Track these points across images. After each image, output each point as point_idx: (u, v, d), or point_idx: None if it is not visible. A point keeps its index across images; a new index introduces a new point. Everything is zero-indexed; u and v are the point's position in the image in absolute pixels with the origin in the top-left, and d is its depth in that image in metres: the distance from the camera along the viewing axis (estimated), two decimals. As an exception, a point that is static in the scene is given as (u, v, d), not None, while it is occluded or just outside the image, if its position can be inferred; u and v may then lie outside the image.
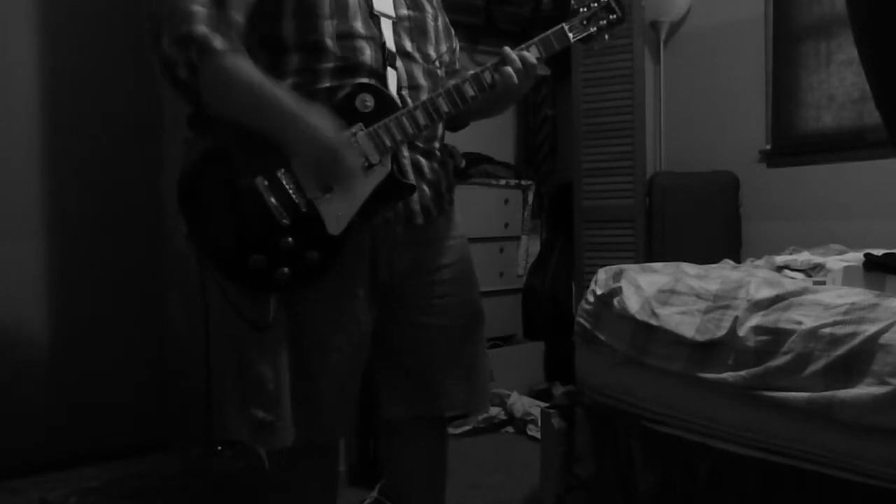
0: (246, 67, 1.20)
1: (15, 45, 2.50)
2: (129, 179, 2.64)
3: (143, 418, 2.61)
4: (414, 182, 1.32)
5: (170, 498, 2.23)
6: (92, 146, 2.62)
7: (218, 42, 1.19)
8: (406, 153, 1.33)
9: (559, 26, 1.37)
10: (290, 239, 1.22)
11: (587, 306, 1.91)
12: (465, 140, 3.22)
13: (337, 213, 1.23)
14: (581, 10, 1.39)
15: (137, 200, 2.62)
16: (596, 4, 1.39)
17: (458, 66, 1.55)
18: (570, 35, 1.37)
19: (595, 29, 1.39)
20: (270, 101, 1.19)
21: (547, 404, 2.22)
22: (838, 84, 2.96)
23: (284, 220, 1.21)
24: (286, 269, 1.22)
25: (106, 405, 2.58)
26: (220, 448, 2.06)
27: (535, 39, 1.34)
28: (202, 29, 1.18)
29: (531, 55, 1.33)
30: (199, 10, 1.20)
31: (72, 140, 2.60)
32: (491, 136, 3.83)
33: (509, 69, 1.30)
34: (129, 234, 2.65)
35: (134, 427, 2.60)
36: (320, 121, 1.20)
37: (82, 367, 2.58)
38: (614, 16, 1.40)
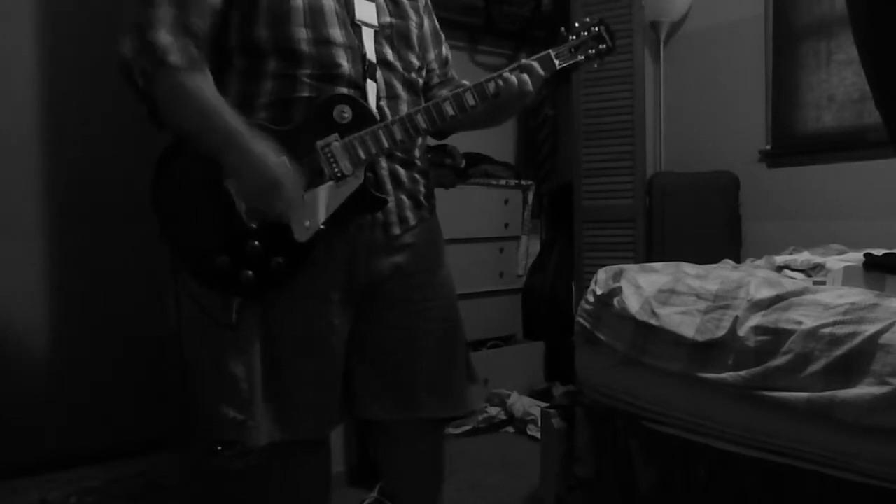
0: (200, 87, 1.20)
1: (14, 44, 2.50)
2: (129, 179, 2.62)
3: (143, 418, 2.61)
4: (386, 195, 1.31)
5: (170, 498, 2.23)
6: (91, 146, 2.61)
7: (175, 57, 1.18)
8: (384, 163, 1.33)
9: (545, 52, 1.37)
10: (257, 243, 1.22)
11: (587, 306, 1.91)
12: (465, 140, 3.24)
13: (305, 220, 1.23)
14: (571, 37, 1.39)
15: (137, 200, 2.60)
16: (587, 34, 1.40)
17: (451, 73, 1.55)
18: (556, 62, 1.38)
19: (583, 58, 1.40)
20: (219, 125, 1.18)
21: (547, 404, 2.22)
22: (838, 84, 2.96)
23: (252, 224, 1.21)
24: (250, 273, 1.22)
25: (106, 405, 2.58)
26: (220, 448, 2.06)
27: (508, 67, 1.34)
28: (163, 39, 1.18)
29: (536, 66, 1.33)
30: (164, 16, 1.19)
31: (71, 140, 2.59)
32: (491, 136, 3.81)
33: (513, 78, 1.30)
34: (129, 233, 2.65)
35: (134, 427, 2.60)
36: (266, 151, 1.18)
37: (82, 367, 2.57)
38: (603, 46, 1.41)
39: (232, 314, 1.25)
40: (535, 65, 1.34)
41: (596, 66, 1.45)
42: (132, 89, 1.22)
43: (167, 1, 1.19)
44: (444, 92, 1.42)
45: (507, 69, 1.33)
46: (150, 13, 1.19)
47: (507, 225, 3.59)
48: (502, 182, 3.62)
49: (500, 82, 1.31)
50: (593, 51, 1.41)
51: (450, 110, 1.29)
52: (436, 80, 1.51)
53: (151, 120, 1.27)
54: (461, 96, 1.30)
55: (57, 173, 2.58)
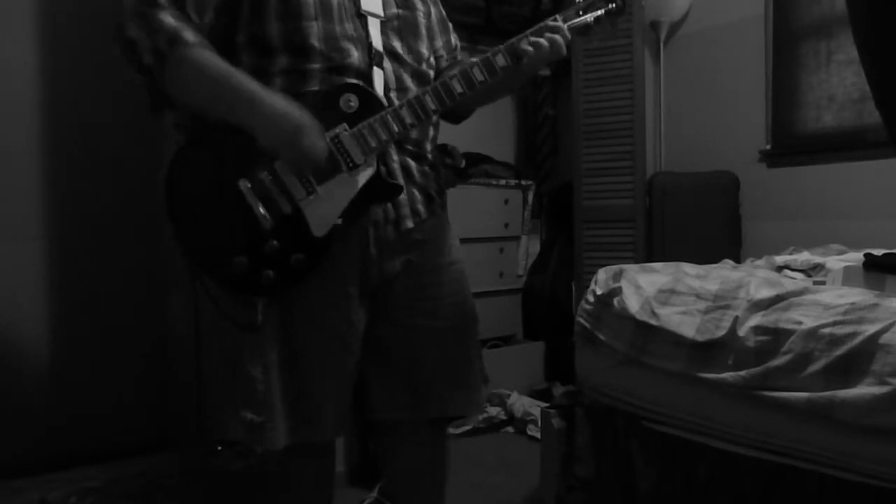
0: (212, 59, 1.21)
1: (15, 45, 2.50)
2: (129, 180, 2.64)
3: (143, 418, 2.61)
4: (401, 183, 1.30)
5: (170, 498, 2.22)
6: (92, 147, 2.62)
7: (189, 34, 1.20)
8: (395, 156, 1.31)
9: (553, 17, 1.32)
10: (275, 242, 1.21)
11: (587, 306, 1.91)
12: (465, 140, 3.25)
13: (321, 214, 1.22)
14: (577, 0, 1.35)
15: (137, 201, 2.62)
16: None
17: (460, 58, 1.53)
18: (565, 26, 1.32)
19: (592, 19, 1.34)
20: (234, 89, 1.19)
21: (547, 404, 2.22)
22: (838, 84, 2.96)
23: (268, 223, 1.21)
24: (271, 272, 1.22)
25: (106, 405, 2.58)
26: (220, 448, 2.06)
27: (529, 31, 1.30)
28: (171, 20, 1.20)
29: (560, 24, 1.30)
30: (164, 2, 1.21)
31: (72, 141, 2.59)
32: (491, 136, 3.83)
33: (542, 40, 1.27)
34: (129, 234, 2.65)
35: (134, 427, 2.60)
36: (281, 102, 1.19)
37: (82, 367, 2.58)
38: (613, 5, 1.34)
39: (257, 314, 1.24)
40: (561, 25, 1.29)
41: (610, 27, 1.36)
42: (137, 69, 1.22)
43: None
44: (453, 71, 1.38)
45: (528, 31, 1.28)
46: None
47: (507, 225, 3.60)
48: (502, 182, 3.62)
49: (527, 47, 1.26)
50: (602, 11, 1.34)
51: (458, 87, 1.26)
52: (444, 63, 1.49)
53: (153, 104, 1.27)
54: (468, 72, 1.27)
55: (57, 175, 2.58)
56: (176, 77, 1.21)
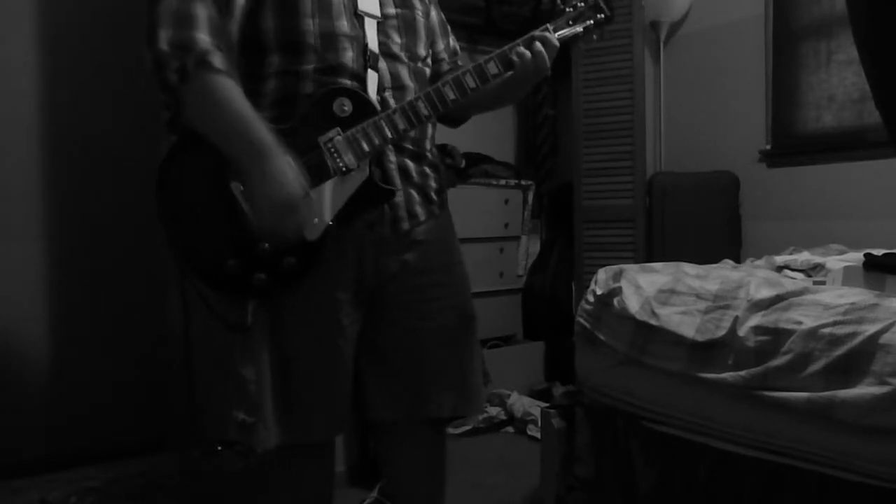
0: (235, 94, 1.17)
1: (15, 45, 2.50)
2: (129, 180, 2.64)
3: (143, 418, 2.61)
4: (394, 187, 1.30)
5: (170, 498, 2.23)
6: (92, 147, 2.62)
7: (217, 59, 1.16)
8: (393, 158, 1.31)
9: (543, 27, 1.34)
10: (267, 245, 1.21)
11: (587, 306, 1.91)
12: (465, 140, 3.25)
13: (313, 218, 1.22)
14: (567, 9, 1.36)
15: (137, 201, 2.62)
16: (583, 4, 1.36)
17: (460, 63, 1.53)
18: (554, 35, 1.34)
19: (581, 29, 1.36)
20: (251, 135, 1.16)
21: (547, 404, 2.22)
22: (838, 84, 2.96)
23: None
24: (263, 275, 1.21)
25: (106, 405, 2.58)
26: (220, 448, 2.06)
27: (520, 40, 1.31)
28: (205, 40, 1.16)
29: (551, 37, 1.31)
30: (203, 16, 1.17)
31: (72, 141, 2.59)
32: (491, 135, 3.83)
33: (527, 52, 1.28)
34: (129, 234, 2.65)
35: (134, 427, 2.60)
36: (289, 172, 1.17)
37: (82, 367, 2.58)
38: (602, 15, 1.36)
39: (247, 316, 1.24)
40: (550, 35, 1.30)
41: (596, 38, 1.38)
42: (160, 86, 1.19)
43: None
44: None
45: (519, 40, 1.30)
46: (187, 8, 1.17)
47: (507, 225, 3.60)
48: (502, 182, 3.62)
49: (515, 58, 1.28)
50: (591, 21, 1.36)
51: (450, 94, 1.27)
52: (445, 68, 1.49)
53: (171, 123, 1.25)
54: (461, 79, 1.28)
55: (57, 175, 2.58)
56: (194, 101, 1.18)
